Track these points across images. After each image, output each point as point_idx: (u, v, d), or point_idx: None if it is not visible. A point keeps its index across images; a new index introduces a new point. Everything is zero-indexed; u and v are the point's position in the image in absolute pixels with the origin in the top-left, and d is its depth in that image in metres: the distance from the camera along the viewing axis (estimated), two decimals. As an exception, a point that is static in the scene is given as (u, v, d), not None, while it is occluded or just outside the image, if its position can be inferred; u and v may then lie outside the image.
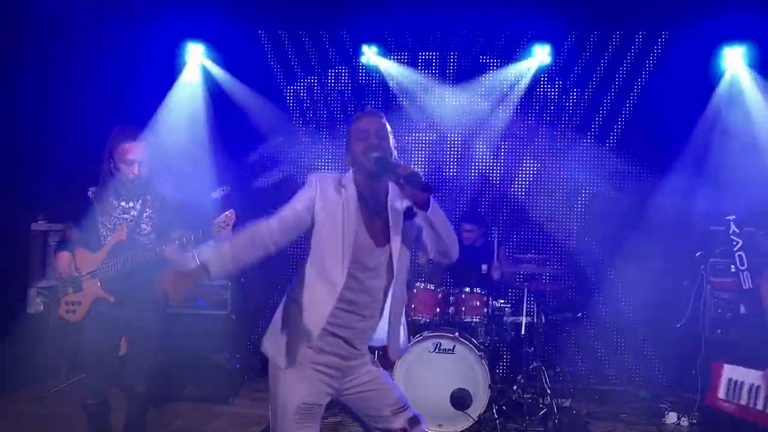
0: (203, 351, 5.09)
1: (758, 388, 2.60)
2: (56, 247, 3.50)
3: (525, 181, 6.15)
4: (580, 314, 5.28)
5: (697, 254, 4.51)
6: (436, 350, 4.38)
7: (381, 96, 6.27)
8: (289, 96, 6.37)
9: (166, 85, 6.06)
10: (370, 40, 6.15)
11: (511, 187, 6.17)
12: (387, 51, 6.22)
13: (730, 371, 2.78)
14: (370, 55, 6.13)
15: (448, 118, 6.18)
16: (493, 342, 4.83)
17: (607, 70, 5.94)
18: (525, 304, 4.59)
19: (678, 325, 4.50)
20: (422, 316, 4.68)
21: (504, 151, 6.19)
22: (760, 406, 2.57)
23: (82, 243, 3.41)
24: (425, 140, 6.26)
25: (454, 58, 6.25)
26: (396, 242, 2.30)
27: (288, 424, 2.25)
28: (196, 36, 6.19)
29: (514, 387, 4.80)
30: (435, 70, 6.24)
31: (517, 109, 6.10)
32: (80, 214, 3.40)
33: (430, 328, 4.61)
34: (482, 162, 6.18)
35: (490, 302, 4.72)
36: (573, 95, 6.09)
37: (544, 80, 6.12)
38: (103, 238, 3.36)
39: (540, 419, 4.56)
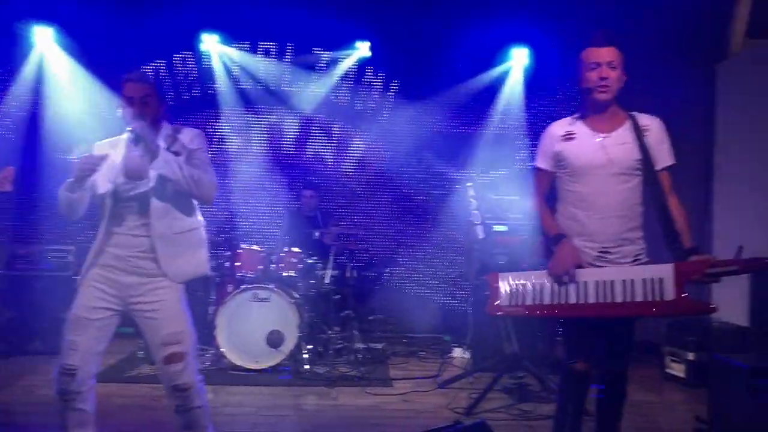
0: (48, 310, 5.58)
1: (542, 285, 2.69)
2: None
3: (353, 160, 7.05)
4: (387, 270, 6.24)
5: (470, 218, 5.58)
6: (254, 299, 5.17)
7: (223, 81, 6.90)
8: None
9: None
10: (213, 27, 6.73)
11: (341, 165, 7.05)
12: (229, 39, 6.86)
13: (504, 279, 2.77)
14: (211, 43, 6.74)
15: (286, 103, 6.94)
16: (310, 293, 5.67)
17: (420, 64, 6.92)
18: (332, 259, 5.48)
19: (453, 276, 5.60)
20: (247, 273, 5.44)
21: (336, 134, 7.05)
22: (547, 300, 2.67)
23: None
24: (266, 123, 6.98)
25: (290, 49, 7.01)
26: (152, 179, 2.78)
27: (65, 330, 2.80)
28: (44, 19, 6.51)
29: (329, 332, 5.68)
30: (273, 58, 6.97)
31: (346, 96, 6.99)
32: None
33: (254, 282, 5.38)
34: (316, 143, 7.02)
35: (305, 259, 5.57)
36: (394, 86, 7.04)
37: (369, 72, 7.03)
38: None
39: (345, 355, 5.48)
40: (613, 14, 6.00)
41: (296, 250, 5.56)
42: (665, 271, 2.52)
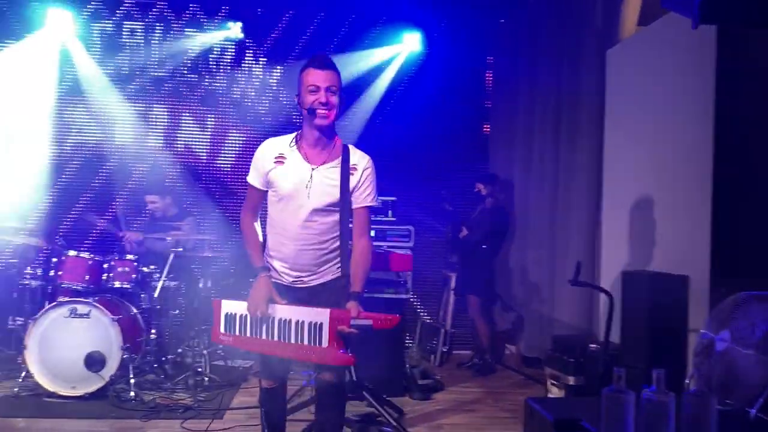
0: None
1: (246, 316, 2.68)
2: None
3: (231, 154, 6.34)
4: (251, 280, 5.51)
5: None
6: (72, 315, 4.45)
7: (82, 64, 6.12)
8: None
9: None
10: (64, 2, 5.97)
11: (216, 160, 6.34)
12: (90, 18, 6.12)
13: (226, 306, 2.77)
14: (63, 20, 5.95)
15: (152, 90, 6.21)
16: (155, 306, 4.96)
17: (301, 46, 6.26)
18: (167, 269, 4.76)
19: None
20: (72, 284, 4.72)
21: (210, 124, 6.33)
22: (248, 333, 2.67)
23: None
24: (124, 111, 6.18)
25: (160, 28, 6.27)
26: None
27: None
28: None
29: (179, 350, 4.99)
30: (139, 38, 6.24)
31: (222, 82, 6.29)
32: None
33: (82, 295, 4.66)
34: (188, 134, 6.30)
35: (140, 268, 4.86)
36: (278, 72, 6.35)
37: (249, 57, 6.33)
38: None
39: (183, 377, 4.76)
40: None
41: (130, 257, 4.85)
42: (323, 316, 2.45)
